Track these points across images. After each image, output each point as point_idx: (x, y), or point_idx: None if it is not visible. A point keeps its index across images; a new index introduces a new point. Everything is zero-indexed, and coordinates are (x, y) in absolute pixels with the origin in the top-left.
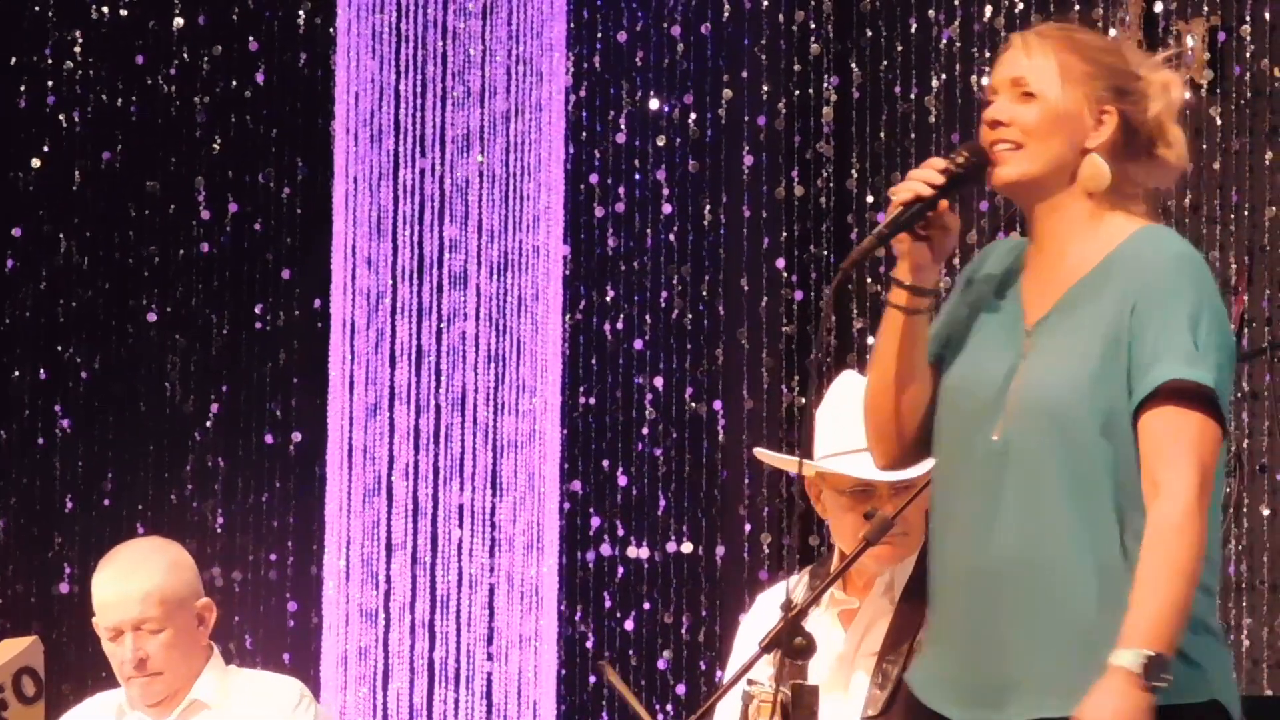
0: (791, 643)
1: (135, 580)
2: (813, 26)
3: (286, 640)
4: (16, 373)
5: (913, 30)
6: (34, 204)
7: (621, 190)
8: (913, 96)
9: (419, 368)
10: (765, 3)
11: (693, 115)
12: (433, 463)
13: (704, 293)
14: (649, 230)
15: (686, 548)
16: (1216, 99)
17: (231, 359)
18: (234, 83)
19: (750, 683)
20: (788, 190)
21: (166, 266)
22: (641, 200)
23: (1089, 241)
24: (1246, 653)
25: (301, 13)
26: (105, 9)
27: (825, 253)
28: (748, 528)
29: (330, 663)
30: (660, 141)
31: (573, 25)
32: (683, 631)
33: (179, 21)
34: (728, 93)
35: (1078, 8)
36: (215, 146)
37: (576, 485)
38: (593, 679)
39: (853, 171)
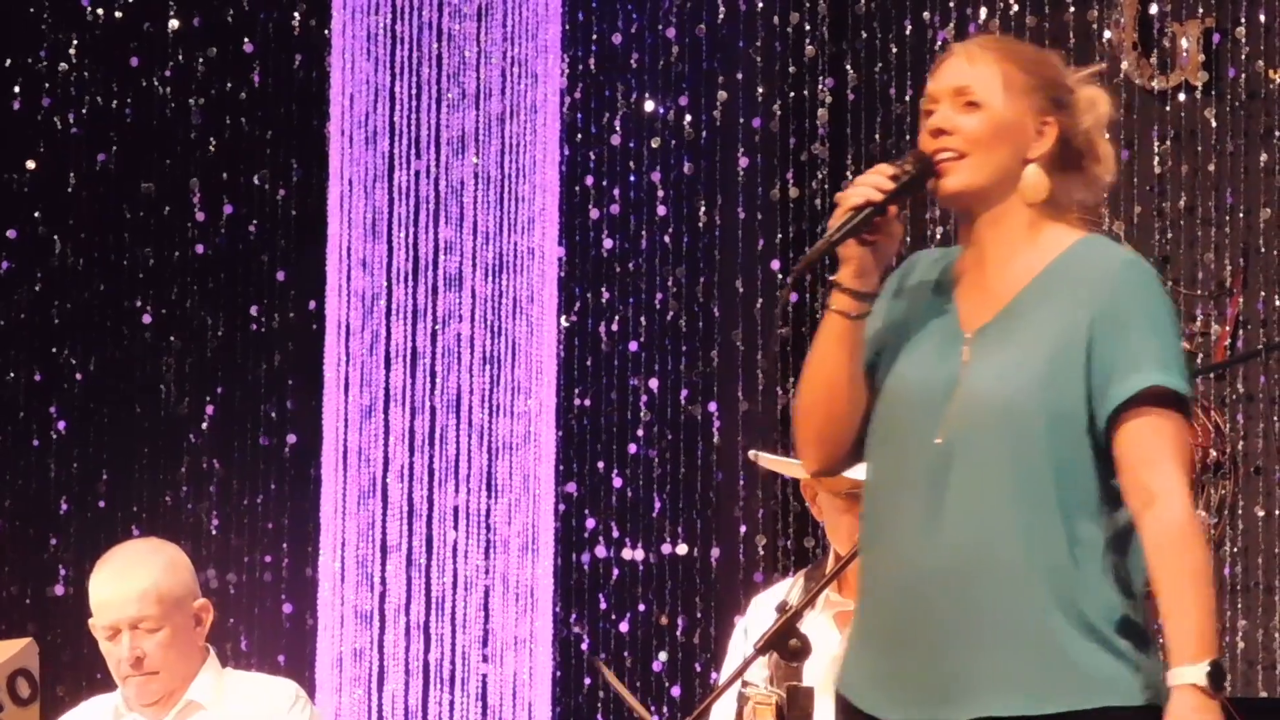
0: (787, 645)
1: (134, 579)
2: (808, 28)
3: (281, 642)
4: (11, 374)
5: (908, 32)
6: (29, 205)
7: (616, 192)
8: (908, 99)
9: (414, 369)
10: (760, 4)
11: (688, 117)
12: (428, 464)
13: (699, 294)
14: (644, 232)
15: (681, 549)
16: (1211, 101)
17: (226, 361)
18: (229, 84)
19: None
20: (783, 192)
21: (161, 268)
22: (636, 202)
23: (1029, 251)
24: (1242, 655)
25: (296, 15)
26: (100, 11)
27: None
28: (743, 529)
29: (325, 664)
30: (655, 143)
31: (568, 27)
32: (678, 633)
33: (174, 23)
34: (723, 94)
35: (1072, 9)
36: (210, 148)
37: (571, 487)
38: (588, 680)
39: (848, 173)
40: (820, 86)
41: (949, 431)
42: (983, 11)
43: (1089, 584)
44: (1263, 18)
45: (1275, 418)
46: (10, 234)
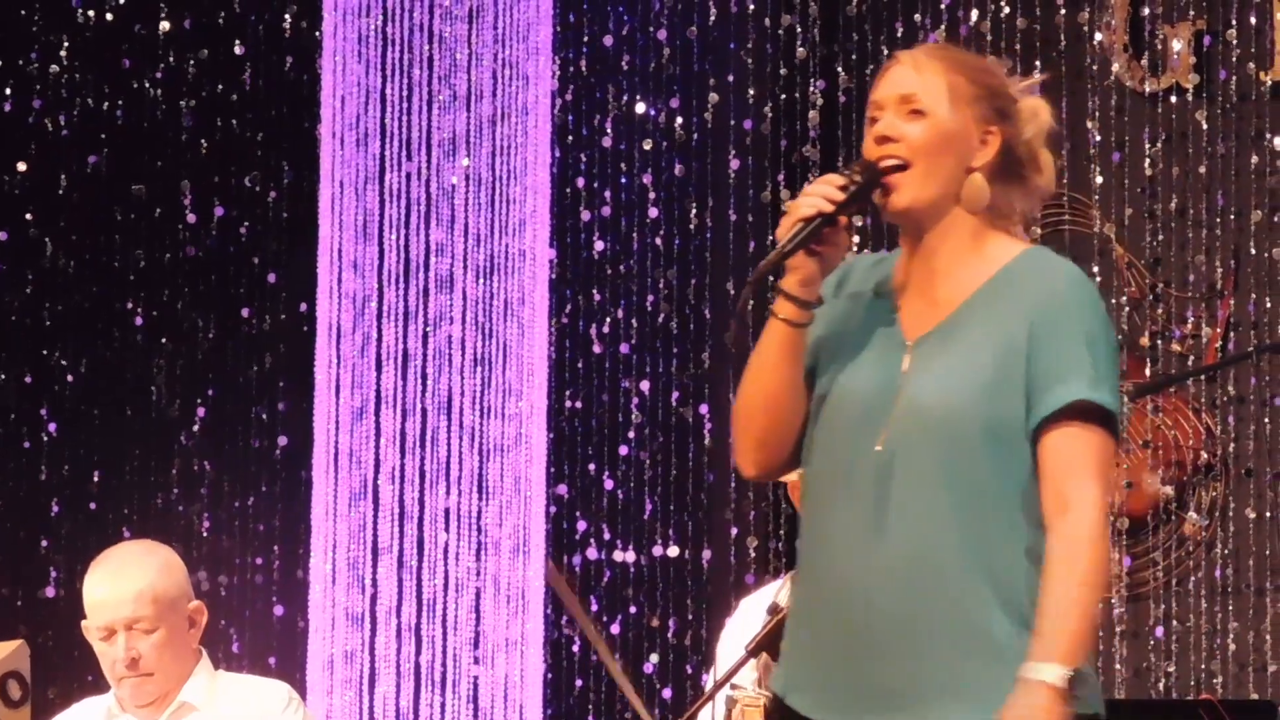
0: (777, 647)
1: (129, 580)
2: (799, 30)
3: (272, 644)
4: (2, 376)
5: (899, 34)
6: (20, 207)
7: (608, 194)
8: None
9: (405, 371)
10: (751, 6)
11: (679, 119)
12: (419, 466)
13: (690, 297)
14: (635, 234)
15: (673, 551)
16: (1202, 103)
17: (217, 363)
18: (220, 86)
19: (734, 687)
20: (774, 194)
21: (152, 270)
22: (628, 204)
23: (973, 261)
24: (1233, 657)
25: (287, 16)
26: (91, 13)
27: None
28: (734, 531)
29: (316, 666)
30: (646, 145)
31: (559, 29)
32: (669, 635)
33: (165, 25)
34: (714, 96)
35: (1063, 11)
36: (201, 150)
37: (563, 489)
38: (579, 682)
39: None
40: (811, 89)
41: (889, 439)
42: (974, 14)
43: (1033, 591)
44: (1253, 20)
45: (1266, 420)
46: (1, 236)
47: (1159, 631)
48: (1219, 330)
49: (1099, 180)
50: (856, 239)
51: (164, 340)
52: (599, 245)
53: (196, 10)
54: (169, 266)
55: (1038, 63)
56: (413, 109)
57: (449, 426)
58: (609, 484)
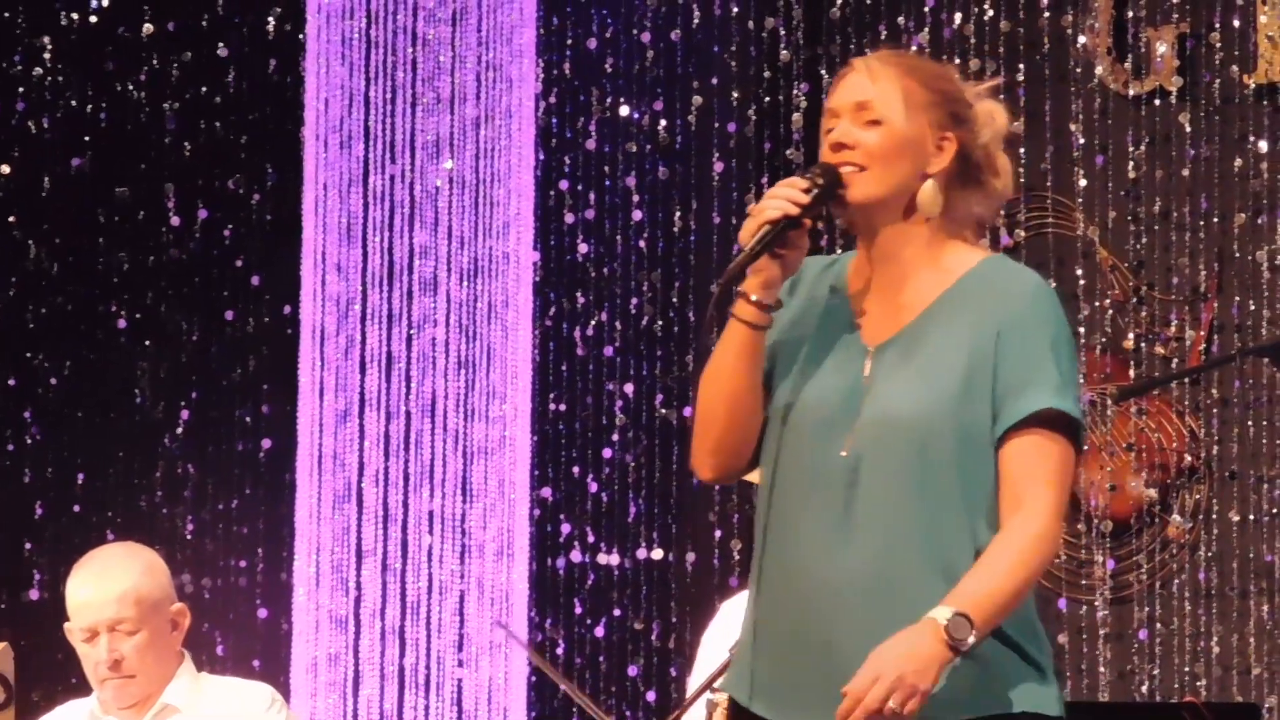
0: None
1: (112, 581)
2: (783, 33)
3: (257, 646)
4: None
5: (882, 37)
6: (3, 210)
7: (592, 196)
8: None
9: (389, 374)
10: (735, 9)
11: (663, 122)
12: (403, 469)
13: (674, 299)
14: (619, 237)
15: (657, 554)
16: (1186, 106)
17: (201, 365)
18: (204, 89)
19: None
20: (758, 197)
21: (136, 272)
22: (612, 207)
23: (931, 269)
24: (1217, 659)
25: (271, 19)
26: (75, 15)
27: None
28: (718, 534)
29: (300, 669)
30: (630, 148)
31: (543, 31)
32: (653, 638)
33: (148, 28)
34: (698, 99)
35: (1047, 14)
36: (185, 153)
37: (547, 492)
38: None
39: None
40: (795, 91)
41: (855, 445)
42: (957, 17)
43: None
44: (1236, 23)
45: (1250, 422)
46: None
47: (1143, 634)
48: (1203, 333)
49: (1082, 183)
50: (825, 241)
51: (148, 343)
52: (583, 248)
53: (180, 13)
54: (152, 269)
55: (1021, 66)
56: (396, 111)
57: (433, 429)
58: (593, 487)
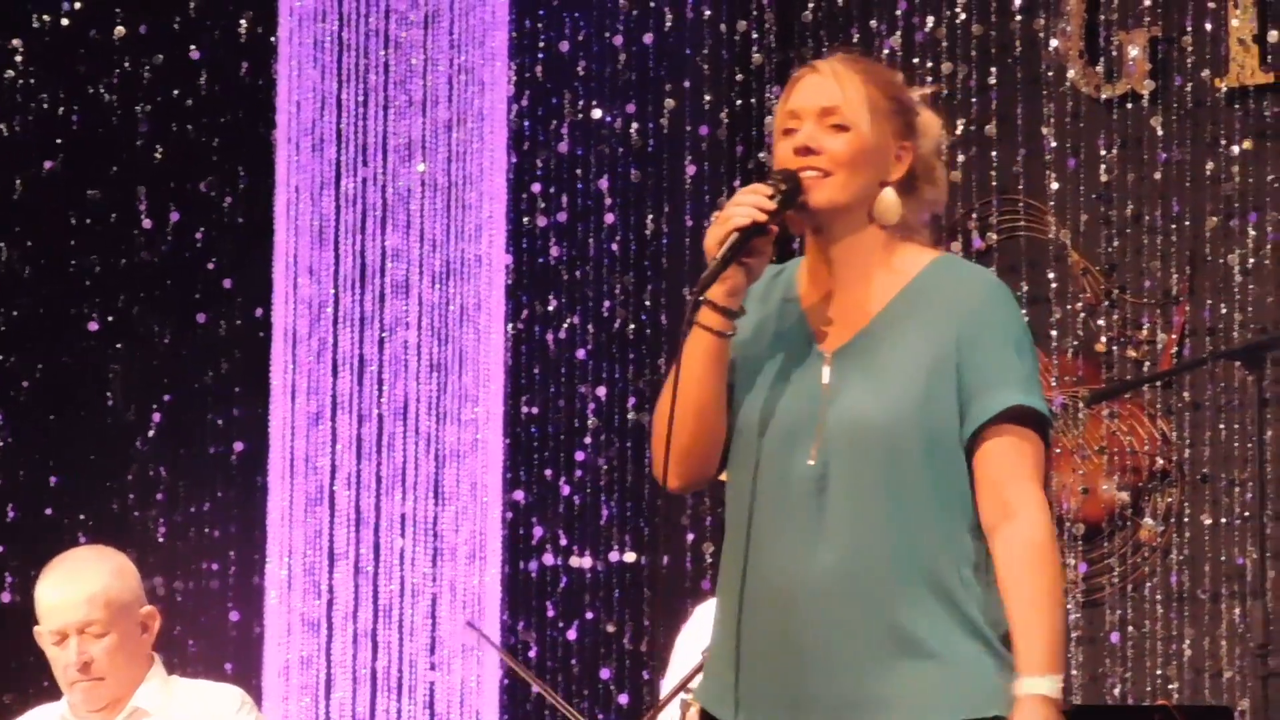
0: None
1: (81, 584)
2: (755, 36)
3: (229, 650)
4: None
5: (855, 40)
6: None
7: (564, 199)
8: None
9: (361, 377)
10: (707, 12)
11: (635, 125)
12: (375, 472)
13: (646, 302)
14: (591, 239)
15: (629, 557)
16: (1158, 109)
17: (173, 368)
18: (175, 91)
19: (688, 690)
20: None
21: (108, 275)
22: (584, 209)
23: (885, 271)
24: (1189, 662)
25: (243, 22)
26: (46, 18)
27: None
28: (690, 537)
29: (273, 672)
30: (603, 151)
31: (515, 34)
32: (625, 641)
33: (120, 30)
34: (670, 102)
35: (1019, 18)
36: (157, 155)
37: (519, 495)
38: (535, 688)
39: None
40: (767, 94)
41: (822, 451)
42: (929, 20)
43: (973, 598)
44: (1208, 26)
45: (1221, 425)
46: None
47: (1114, 637)
48: (1174, 336)
49: (1054, 186)
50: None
51: (119, 345)
52: (555, 251)
53: (152, 15)
54: (124, 271)
55: (993, 69)
56: (368, 114)
57: (405, 432)
58: (565, 489)
